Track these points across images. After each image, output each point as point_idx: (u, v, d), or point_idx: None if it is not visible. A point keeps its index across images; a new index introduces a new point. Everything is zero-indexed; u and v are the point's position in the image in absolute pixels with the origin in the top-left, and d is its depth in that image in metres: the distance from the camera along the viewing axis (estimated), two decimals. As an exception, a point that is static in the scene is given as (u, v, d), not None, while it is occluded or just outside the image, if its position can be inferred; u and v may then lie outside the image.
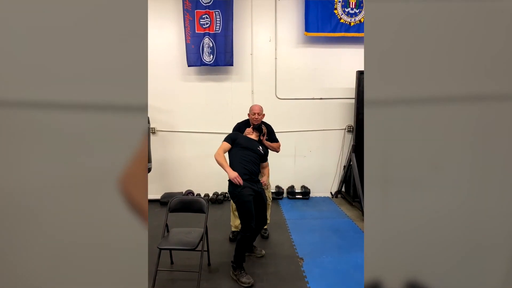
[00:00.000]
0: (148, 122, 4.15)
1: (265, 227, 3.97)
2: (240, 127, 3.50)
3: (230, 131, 3.45)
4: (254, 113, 3.43)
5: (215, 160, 2.92)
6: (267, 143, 3.42)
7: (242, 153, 2.97)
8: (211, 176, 5.68)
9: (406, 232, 1.37)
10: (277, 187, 5.90)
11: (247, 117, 3.58)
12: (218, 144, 3.14)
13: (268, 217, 3.72)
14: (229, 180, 2.83)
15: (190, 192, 5.77)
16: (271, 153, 3.63)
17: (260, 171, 3.16)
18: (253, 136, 3.24)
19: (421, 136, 1.34)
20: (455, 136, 1.33)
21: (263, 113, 3.49)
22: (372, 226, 1.39)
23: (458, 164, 1.35)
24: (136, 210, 1.21)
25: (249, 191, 2.85)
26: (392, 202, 1.36)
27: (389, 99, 1.32)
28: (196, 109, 5.65)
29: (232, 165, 2.92)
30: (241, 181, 2.80)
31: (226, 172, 2.82)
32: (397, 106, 1.32)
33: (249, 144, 3.07)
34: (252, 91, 5.59)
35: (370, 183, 1.38)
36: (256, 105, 3.53)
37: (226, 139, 3.06)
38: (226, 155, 3.04)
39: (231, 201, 3.49)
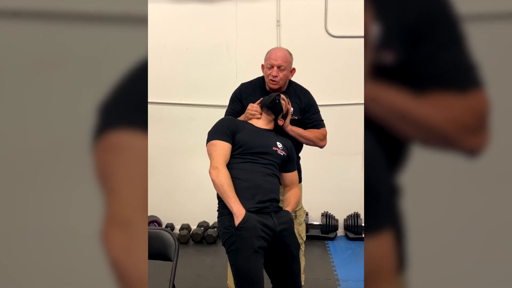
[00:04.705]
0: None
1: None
2: (243, 92, 2.51)
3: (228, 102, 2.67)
4: (272, 66, 2.39)
5: (210, 178, 2.13)
6: (296, 131, 2.43)
7: (244, 164, 2.19)
8: (197, 189, 4.12)
9: None
10: (325, 215, 4.19)
11: (261, 74, 2.60)
12: (206, 129, 2.27)
13: (302, 280, 2.54)
14: (220, 210, 2.12)
15: (154, 221, 4.22)
16: (308, 151, 2.68)
17: (279, 191, 2.30)
18: (262, 122, 2.31)
19: None
20: None
21: (292, 66, 2.50)
22: None
23: None
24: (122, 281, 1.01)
25: (256, 232, 2.02)
26: None
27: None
28: (167, 57, 4.21)
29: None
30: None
31: (230, 206, 2.03)
32: None
33: (258, 142, 2.23)
34: (278, 21, 4.16)
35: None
36: (277, 49, 2.56)
37: (216, 133, 2.21)
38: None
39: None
